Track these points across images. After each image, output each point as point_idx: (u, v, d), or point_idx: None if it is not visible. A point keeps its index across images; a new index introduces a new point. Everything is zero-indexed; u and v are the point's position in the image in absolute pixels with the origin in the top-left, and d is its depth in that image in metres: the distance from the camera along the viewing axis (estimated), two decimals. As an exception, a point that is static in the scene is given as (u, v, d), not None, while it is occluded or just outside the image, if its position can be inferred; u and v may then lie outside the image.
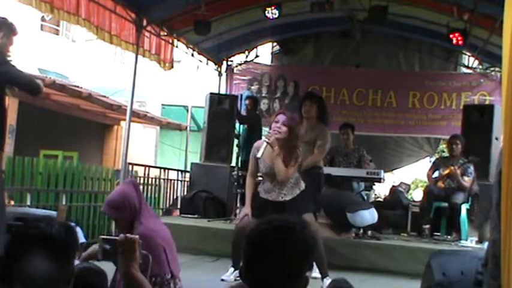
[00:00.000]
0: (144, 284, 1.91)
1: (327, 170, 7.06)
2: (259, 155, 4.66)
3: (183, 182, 9.29)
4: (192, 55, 9.47)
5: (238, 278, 4.39)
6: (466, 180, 6.93)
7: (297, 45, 10.56)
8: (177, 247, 2.93)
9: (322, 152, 5.77)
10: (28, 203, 6.38)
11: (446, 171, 7.00)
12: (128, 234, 1.94)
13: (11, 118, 9.81)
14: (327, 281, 4.68)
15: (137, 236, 1.94)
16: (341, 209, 6.17)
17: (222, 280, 4.68)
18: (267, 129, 5.16)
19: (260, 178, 5.06)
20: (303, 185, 4.78)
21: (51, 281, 1.64)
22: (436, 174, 7.16)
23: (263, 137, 4.76)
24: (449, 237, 6.93)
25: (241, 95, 9.39)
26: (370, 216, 6.17)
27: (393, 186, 9.54)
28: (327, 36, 10.38)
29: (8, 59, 4.19)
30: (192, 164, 8.97)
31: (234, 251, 4.74)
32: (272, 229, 1.62)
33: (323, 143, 5.64)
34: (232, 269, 4.78)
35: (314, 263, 4.98)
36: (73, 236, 1.78)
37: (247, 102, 8.87)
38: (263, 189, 4.78)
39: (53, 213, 5.26)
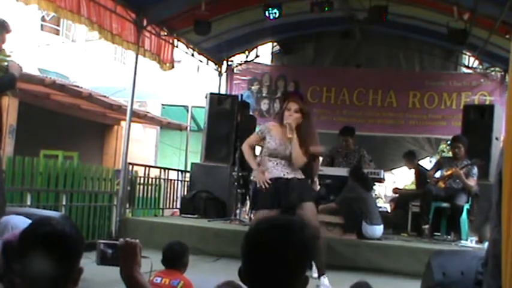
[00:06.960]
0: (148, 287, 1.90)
1: (328, 170, 7.08)
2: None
3: (183, 182, 9.28)
4: (193, 55, 9.47)
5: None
6: (471, 181, 6.92)
7: (297, 45, 10.55)
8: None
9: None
10: (28, 203, 6.35)
11: (449, 172, 6.98)
12: (127, 239, 1.90)
13: (11, 118, 9.80)
14: (324, 279, 4.68)
15: (137, 240, 1.92)
16: (359, 215, 6.24)
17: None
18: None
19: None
20: (301, 174, 4.84)
21: (60, 282, 1.59)
22: (438, 174, 7.15)
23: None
24: (449, 237, 6.93)
25: (241, 95, 9.38)
26: (378, 232, 6.35)
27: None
28: (327, 36, 10.37)
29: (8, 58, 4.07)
30: (192, 164, 8.98)
31: None
32: (271, 228, 1.60)
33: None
34: None
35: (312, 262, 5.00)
36: (81, 234, 1.73)
37: None
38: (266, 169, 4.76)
39: (55, 213, 5.24)
